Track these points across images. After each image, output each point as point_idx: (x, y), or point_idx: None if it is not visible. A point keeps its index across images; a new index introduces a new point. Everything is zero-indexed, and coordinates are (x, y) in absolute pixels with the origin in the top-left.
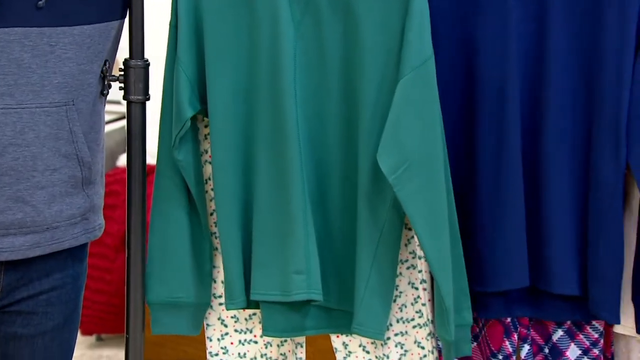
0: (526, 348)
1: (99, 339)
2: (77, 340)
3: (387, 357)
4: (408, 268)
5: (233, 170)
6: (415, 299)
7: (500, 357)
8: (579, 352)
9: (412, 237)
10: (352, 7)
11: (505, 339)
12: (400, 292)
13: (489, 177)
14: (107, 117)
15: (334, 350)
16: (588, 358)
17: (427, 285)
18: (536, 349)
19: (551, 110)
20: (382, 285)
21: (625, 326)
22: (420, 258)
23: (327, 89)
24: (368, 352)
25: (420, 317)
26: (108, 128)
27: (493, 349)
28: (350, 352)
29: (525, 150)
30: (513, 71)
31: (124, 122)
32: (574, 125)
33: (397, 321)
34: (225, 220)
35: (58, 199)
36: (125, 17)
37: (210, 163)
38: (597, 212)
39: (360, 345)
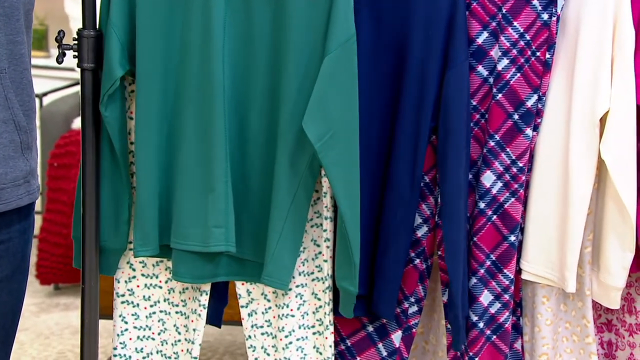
0: (447, 293)
1: (56, 288)
2: (37, 289)
3: (287, 306)
4: (312, 226)
5: (156, 127)
6: (316, 254)
7: (412, 299)
8: (492, 297)
9: (319, 198)
10: None
11: (419, 283)
12: (304, 248)
13: None
14: (61, 83)
15: (237, 297)
16: (499, 302)
17: (330, 244)
18: None
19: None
20: (292, 240)
21: (530, 273)
22: (326, 219)
23: (254, 59)
24: (269, 301)
25: (319, 271)
26: (63, 93)
27: (406, 292)
28: (252, 299)
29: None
30: None
31: (77, 88)
32: (379, 135)
33: (300, 274)
34: (143, 173)
35: (2, 162)
36: None
37: (132, 119)
38: (390, 221)
39: (262, 294)
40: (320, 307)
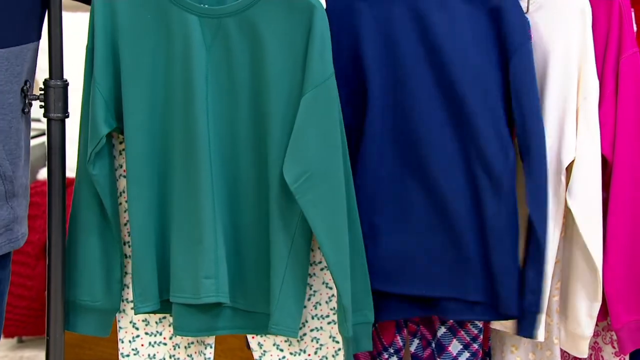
0: (416, 342)
1: (20, 340)
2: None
3: (304, 352)
4: (322, 269)
5: (147, 183)
6: (330, 297)
7: (392, 350)
8: (460, 346)
9: None
10: (259, 32)
11: (397, 334)
12: (315, 291)
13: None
14: None
15: (251, 350)
16: (468, 352)
17: None
18: (425, 344)
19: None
20: (295, 287)
21: (499, 322)
22: None
23: (238, 108)
24: (282, 350)
25: (334, 313)
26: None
27: (385, 343)
28: (265, 351)
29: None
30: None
31: (44, 139)
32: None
33: (313, 318)
34: (138, 230)
35: None
36: (40, 38)
37: (124, 177)
38: (496, 221)
39: (274, 344)
40: (339, 349)
